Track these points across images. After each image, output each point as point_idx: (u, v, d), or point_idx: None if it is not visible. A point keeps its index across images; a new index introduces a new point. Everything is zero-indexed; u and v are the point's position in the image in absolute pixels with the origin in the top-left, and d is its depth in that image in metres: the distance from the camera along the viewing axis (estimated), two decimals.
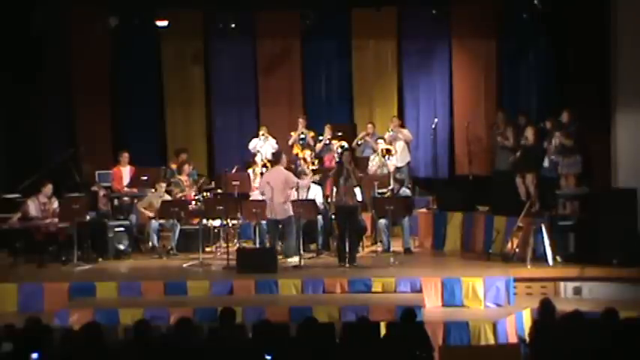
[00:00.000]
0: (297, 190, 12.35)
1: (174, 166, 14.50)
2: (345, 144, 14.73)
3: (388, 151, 14.45)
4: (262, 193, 12.37)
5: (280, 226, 12.28)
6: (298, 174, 12.88)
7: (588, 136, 12.72)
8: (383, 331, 8.40)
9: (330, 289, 10.78)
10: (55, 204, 12.49)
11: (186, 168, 14.00)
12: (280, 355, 7.33)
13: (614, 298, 10.53)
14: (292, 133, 15.38)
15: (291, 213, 12.04)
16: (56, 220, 12.32)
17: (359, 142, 15.21)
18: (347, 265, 11.62)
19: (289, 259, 12.04)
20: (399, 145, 14.90)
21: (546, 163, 13.01)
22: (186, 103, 16.46)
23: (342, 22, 16.21)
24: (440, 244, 13.27)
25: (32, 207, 12.43)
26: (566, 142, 12.53)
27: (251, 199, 13.00)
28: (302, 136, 15.09)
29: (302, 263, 11.77)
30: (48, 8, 15.04)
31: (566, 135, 12.52)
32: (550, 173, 12.97)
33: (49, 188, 12.51)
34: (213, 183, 14.85)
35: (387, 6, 15.86)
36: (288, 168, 12.94)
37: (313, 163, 14.73)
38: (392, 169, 14.19)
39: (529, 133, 13.31)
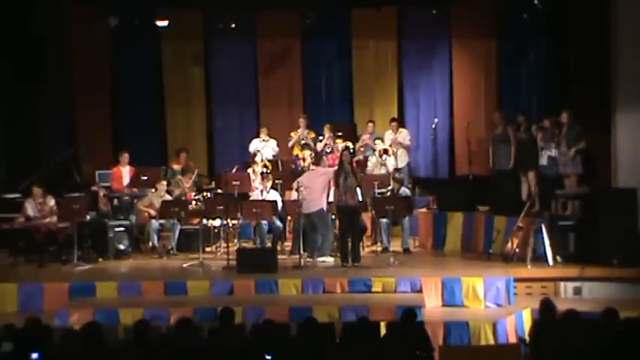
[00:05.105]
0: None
1: (175, 167, 14.49)
2: (350, 144, 14.71)
3: (386, 151, 14.44)
4: (297, 190, 12.15)
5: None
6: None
7: (588, 136, 12.71)
8: (383, 331, 8.41)
9: (330, 289, 10.77)
10: (52, 202, 12.49)
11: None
12: (280, 355, 7.33)
13: (614, 298, 10.53)
14: (292, 134, 15.37)
15: (324, 206, 12.02)
16: (55, 218, 12.34)
17: (362, 147, 15.15)
18: (352, 264, 11.58)
19: (320, 259, 12.02)
20: (398, 149, 14.88)
21: (544, 161, 13.00)
22: (186, 103, 16.46)
23: (342, 22, 16.20)
24: (440, 244, 13.28)
25: (30, 208, 12.44)
26: (576, 143, 12.52)
27: (251, 199, 13.00)
28: (303, 141, 15.08)
29: (302, 263, 11.79)
30: (48, 8, 15.05)
31: (575, 137, 12.51)
32: (548, 170, 12.96)
33: (37, 191, 12.49)
34: (213, 183, 14.84)
35: (387, 6, 15.85)
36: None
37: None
38: (391, 168, 14.18)
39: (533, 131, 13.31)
